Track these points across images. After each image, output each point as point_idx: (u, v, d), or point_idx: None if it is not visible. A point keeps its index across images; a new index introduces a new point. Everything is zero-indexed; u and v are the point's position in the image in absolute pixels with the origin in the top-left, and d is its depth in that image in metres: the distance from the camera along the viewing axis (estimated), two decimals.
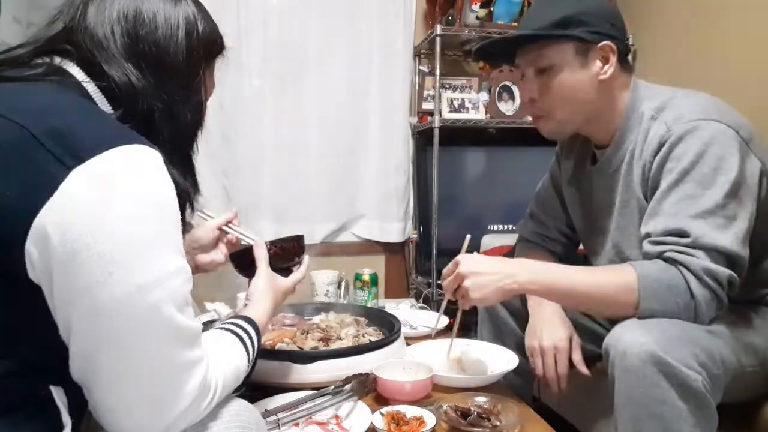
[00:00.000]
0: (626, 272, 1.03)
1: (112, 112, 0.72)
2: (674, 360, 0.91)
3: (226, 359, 0.77)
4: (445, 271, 1.15)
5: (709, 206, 1.01)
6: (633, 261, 1.07)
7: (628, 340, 0.95)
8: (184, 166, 0.80)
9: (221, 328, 0.85)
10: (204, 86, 0.84)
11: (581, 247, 1.43)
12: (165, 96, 0.76)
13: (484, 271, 1.09)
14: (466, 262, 1.11)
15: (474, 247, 2.32)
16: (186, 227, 0.73)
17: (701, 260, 0.99)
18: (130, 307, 0.60)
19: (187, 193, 0.76)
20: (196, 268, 1.16)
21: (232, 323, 0.87)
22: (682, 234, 1.01)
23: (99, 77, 0.72)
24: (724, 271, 0.98)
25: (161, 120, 0.75)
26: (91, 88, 0.72)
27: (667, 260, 1.02)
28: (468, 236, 1.23)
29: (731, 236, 1.00)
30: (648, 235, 1.06)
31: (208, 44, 0.82)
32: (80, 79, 0.71)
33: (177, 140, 0.78)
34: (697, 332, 0.97)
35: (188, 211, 0.78)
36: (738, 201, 1.02)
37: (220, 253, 1.18)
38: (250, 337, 0.86)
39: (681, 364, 0.91)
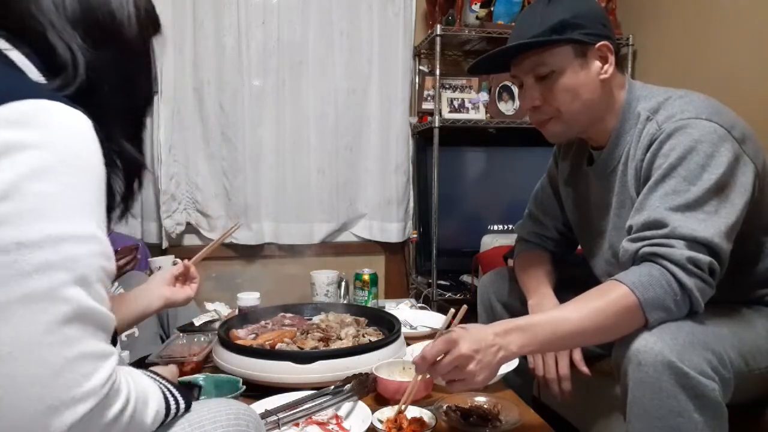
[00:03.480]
0: (620, 294, 0.97)
1: (45, 82, 0.67)
2: (690, 369, 0.89)
3: (141, 387, 0.63)
4: (431, 350, 0.95)
5: (690, 200, 1.00)
6: (617, 274, 1.02)
7: (641, 347, 0.93)
8: (135, 141, 0.75)
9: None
10: (153, 60, 0.80)
11: (580, 247, 1.43)
12: (117, 68, 0.72)
13: (483, 346, 0.95)
14: (467, 339, 0.95)
15: (474, 248, 2.33)
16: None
17: (680, 249, 0.97)
18: (5, 266, 0.53)
19: (139, 167, 0.73)
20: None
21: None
22: (660, 225, 1.00)
23: (36, 48, 0.67)
24: (704, 258, 0.97)
25: (111, 93, 0.71)
26: (15, 56, 0.66)
27: (646, 257, 1.00)
28: (452, 310, 1.05)
29: (711, 228, 0.98)
30: (630, 228, 1.06)
31: (152, 18, 0.79)
32: (1, 47, 0.66)
33: (129, 114, 0.75)
34: (705, 335, 0.95)
35: (139, 189, 0.75)
36: (722, 198, 1.01)
37: (188, 290, 1.30)
38: (171, 392, 0.69)
39: (697, 372, 0.90)
